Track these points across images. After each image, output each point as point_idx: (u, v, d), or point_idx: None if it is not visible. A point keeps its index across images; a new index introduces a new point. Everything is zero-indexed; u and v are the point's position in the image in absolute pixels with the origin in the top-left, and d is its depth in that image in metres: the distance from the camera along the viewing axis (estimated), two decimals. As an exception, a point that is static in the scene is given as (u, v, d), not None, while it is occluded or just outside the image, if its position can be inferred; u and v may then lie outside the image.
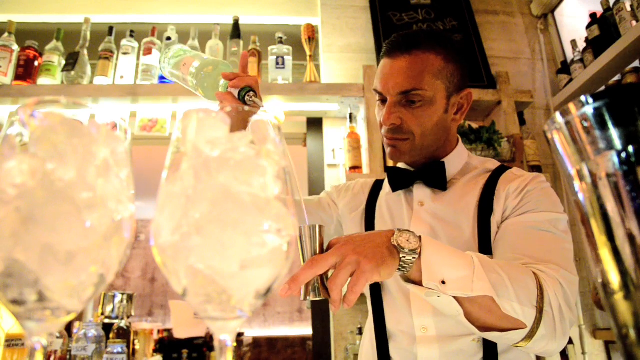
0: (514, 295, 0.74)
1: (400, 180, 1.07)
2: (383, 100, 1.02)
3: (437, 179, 1.03)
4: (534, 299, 0.76)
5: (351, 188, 1.21)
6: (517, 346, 0.80)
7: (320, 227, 0.76)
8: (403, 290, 0.97)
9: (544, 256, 0.84)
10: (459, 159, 1.08)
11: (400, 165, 1.13)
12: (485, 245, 0.94)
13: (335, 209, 1.19)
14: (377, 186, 1.19)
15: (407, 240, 0.75)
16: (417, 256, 0.74)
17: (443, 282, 0.72)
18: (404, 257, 0.74)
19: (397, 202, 1.09)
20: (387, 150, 1.04)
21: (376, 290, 1.04)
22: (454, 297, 0.74)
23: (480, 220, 0.96)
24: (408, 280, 0.78)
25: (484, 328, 0.77)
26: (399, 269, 0.75)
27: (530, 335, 0.77)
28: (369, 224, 1.11)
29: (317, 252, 0.74)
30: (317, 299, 0.72)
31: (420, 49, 0.97)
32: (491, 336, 0.79)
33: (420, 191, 1.05)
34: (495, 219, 0.95)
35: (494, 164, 1.07)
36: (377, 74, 1.02)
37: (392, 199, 1.11)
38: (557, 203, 0.93)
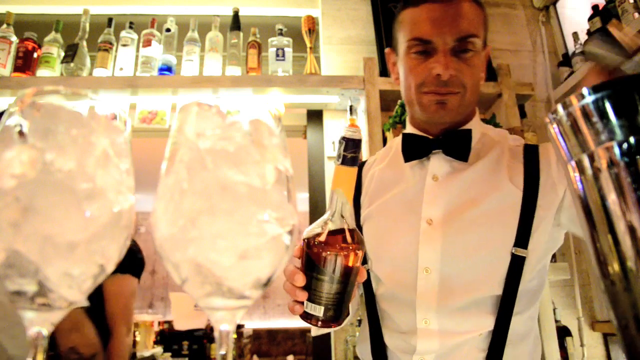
0: None
1: (416, 149, 0.93)
2: (424, 52, 0.88)
3: (459, 149, 0.90)
4: None
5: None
6: None
7: None
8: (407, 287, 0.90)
9: None
10: (478, 127, 0.96)
11: (414, 131, 0.98)
12: (523, 240, 0.83)
13: None
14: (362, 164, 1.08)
15: None
16: None
17: None
18: None
19: (397, 174, 0.97)
20: (432, 108, 0.89)
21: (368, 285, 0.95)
22: None
23: (524, 213, 0.84)
24: None
25: None
26: None
27: None
28: (356, 203, 1.00)
29: None
30: None
31: None
32: None
33: (437, 163, 0.92)
34: (542, 212, 0.84)
35: (514, 139, 0.96)
36: (419, 21, 0.88)
37: (388, 172, 0.99)
38: None
